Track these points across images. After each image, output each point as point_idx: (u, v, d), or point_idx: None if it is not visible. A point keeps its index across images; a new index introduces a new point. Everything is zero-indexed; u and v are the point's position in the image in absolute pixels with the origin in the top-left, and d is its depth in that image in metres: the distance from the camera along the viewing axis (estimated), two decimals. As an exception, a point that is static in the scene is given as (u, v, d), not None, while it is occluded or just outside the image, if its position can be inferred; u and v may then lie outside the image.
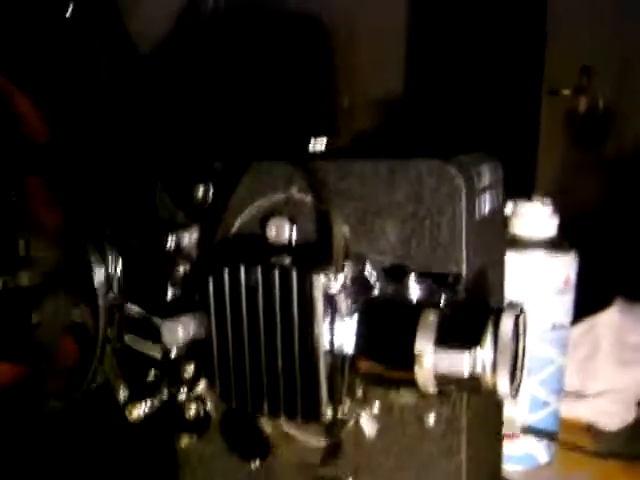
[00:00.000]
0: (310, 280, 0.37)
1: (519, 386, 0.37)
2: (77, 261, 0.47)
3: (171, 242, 0.44)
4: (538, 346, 0.59)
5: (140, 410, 0.44)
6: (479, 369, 0.34)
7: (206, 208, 0.44)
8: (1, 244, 0.50)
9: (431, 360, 0.35)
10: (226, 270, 0.40)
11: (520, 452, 0.61)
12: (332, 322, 0.38)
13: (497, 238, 0.46)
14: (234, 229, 0.44)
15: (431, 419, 0.41)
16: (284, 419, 0.41)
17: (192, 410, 0.46)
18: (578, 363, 0.73)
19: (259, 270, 0.38)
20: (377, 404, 0.42)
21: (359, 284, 0.39)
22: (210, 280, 0.40)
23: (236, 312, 0.40)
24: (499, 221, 0.47)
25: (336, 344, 0.38)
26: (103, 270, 0.46)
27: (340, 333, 0.38)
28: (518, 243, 0.59)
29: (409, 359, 0.35)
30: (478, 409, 0.43)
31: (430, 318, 0.35)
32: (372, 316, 0.38)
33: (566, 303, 0.60)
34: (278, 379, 0.39)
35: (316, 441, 0.44)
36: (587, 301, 0.70)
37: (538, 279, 0.58)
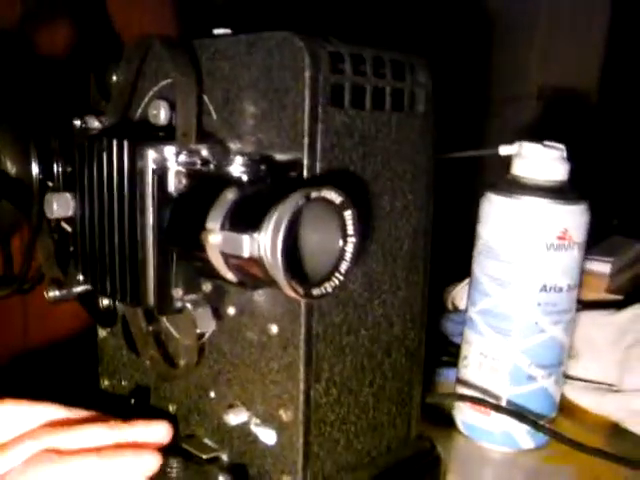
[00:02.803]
0: (136, 151, 0.35)
1: (331, 288, 0.32)
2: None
3: (77, 124, 0.44)
4: (522, 307, 0.50)
5: (56, 292, 0.45)
6: (260, 253, 0.30)
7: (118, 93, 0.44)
8: None
9: (218, 239, 0.31)
10: (85, 144, 0.39)
11: (498, 430, 0.53)
12: (166, 203, 0.36)
13: (406, 146, 0.40)
14: (137, 114, 0.43)
15: (274, 329, 0.37)
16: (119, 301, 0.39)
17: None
18: (621, 353, 0.62)
19: (104, 142, 0.37)
20: (231, 308, 0.39)
21: (204, 167, 0.36)
22: (75, 154, 0.40)
23: (89, 187, 0.39)
24: (413, 129, 0.40)
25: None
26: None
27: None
28: (513, 185, 0.51)
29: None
30: (342, 338, 0.38)
31: (228, 196, 0.32)
32: (189, 196, 0.35)
33: (564, 262, 0.50)
34: (114, 259, 0.38)
35: (184, 340, 0.42)
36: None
37: (529, 229, 0.50)
